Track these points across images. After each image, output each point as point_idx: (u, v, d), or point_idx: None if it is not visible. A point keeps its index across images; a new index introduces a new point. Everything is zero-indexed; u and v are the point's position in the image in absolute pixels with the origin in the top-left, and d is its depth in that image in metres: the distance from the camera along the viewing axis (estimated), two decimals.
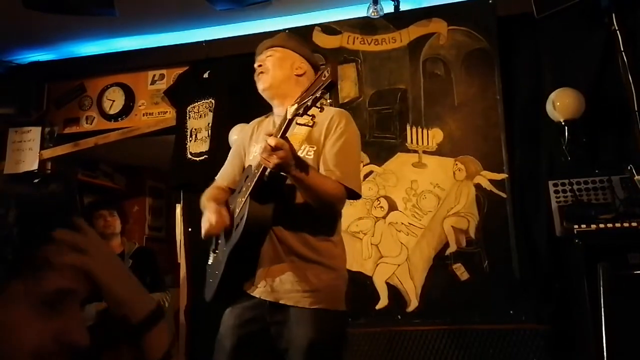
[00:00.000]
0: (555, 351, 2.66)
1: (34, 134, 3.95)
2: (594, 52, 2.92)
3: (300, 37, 2.37)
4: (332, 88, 1.50)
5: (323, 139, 1.83)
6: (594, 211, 2.45)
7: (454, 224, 2.99)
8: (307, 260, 1.77)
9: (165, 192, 5.66)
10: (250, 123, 2.11)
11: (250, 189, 1.73)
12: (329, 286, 1.78)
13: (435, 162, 3.09)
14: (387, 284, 3.01)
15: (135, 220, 5.28)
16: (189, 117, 3.57)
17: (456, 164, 3.05)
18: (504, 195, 2.95)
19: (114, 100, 3.88)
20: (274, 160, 1.59)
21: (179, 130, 3.58)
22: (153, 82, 3.85)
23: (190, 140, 3.52)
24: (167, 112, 3.76)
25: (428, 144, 3.12)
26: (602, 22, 2.71)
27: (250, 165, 1.88)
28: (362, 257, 3.07)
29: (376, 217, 3.11)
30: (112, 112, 3.87)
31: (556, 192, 2.74)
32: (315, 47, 3.30)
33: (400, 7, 3.31)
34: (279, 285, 1.75)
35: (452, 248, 2.97)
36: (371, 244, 3.08)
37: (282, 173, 1.66)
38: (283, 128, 1.61)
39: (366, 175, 3.14)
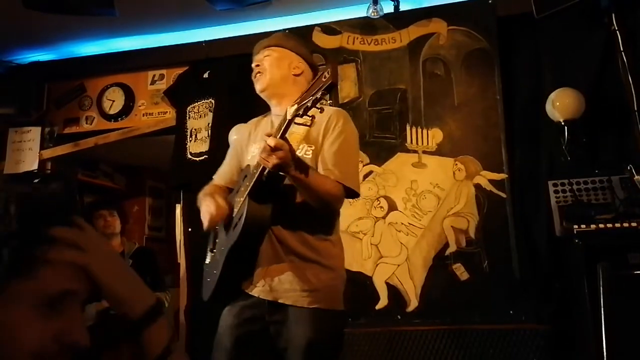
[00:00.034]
0: (555, 351, 2.66)
1: (34, 134, 3.95)
2: (594, 52, 2.92)
3: (300, 37, 2.38)
4: (332, 89, 1.50)
5: (321, 138, 1.83)
6: (593, 211, 2.45)
7: (454, 224, 2.99)
8: (306, 260, 1.77)
9: (165, 192, 5.66)
10: (248, 123, 2.10)
11: (249, 188, 1.73)
12: (328, 286, 1.78)
13: (435, 162, 3.09)
14: (387, 284, 3.01)
15: (135, 220, 5.28)
16: (189, 117, 3.57)
17: (456, 164, 3.05)
18: (503, 195, 2.95)
19: (114, 100, 3.88)
20: (273, 160, 1.59)
21: (179, 130, 3.58)
22: (153, 82, 3.85)
23: (190, 141, 3.52)
24: (167, 112, 3.76)
25: (428, 144, 3.12)
26: (602, 22, 2.71)
27: (249, 165, 1.88)
28: (362, 257, 3.07)
29: (376, 217, 3.11)
30: (112, 112, 3.87)
31: (556, 192, 2.74)
32: (315, 47, 3.31)
33: (400, 7, 3.31)
34: (278, 284, 1.75)
35: (452, 248, 2.97)
36: (371, 244, 3.08)
37: (281, 173, 1.66)
38: (283, 128, 1.61)
39: (366, 175, 3.14)
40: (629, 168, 2.40)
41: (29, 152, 3.93)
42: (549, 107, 2.84)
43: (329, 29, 3.41)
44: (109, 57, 3.90)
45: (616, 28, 2.61)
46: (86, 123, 3.95)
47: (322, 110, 1.54)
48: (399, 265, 3.01)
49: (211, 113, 3.48)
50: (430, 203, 3.04)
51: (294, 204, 1.78)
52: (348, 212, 3.03)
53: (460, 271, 2.93)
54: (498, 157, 2.99)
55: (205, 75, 3.58)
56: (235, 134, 3.02)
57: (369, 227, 3.10)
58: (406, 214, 3.06)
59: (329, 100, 3.19)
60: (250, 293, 1.78)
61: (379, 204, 3.12)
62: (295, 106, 1.56)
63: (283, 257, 1.77)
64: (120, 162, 5.33)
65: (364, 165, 3.13)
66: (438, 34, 3.23)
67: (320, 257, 1.79)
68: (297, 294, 1.73)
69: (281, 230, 1.78)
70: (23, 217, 0.67)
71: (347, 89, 3.31)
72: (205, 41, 3.67)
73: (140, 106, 3.84)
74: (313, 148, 1.83)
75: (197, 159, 3.46)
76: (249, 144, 2.00)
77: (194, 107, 3.57)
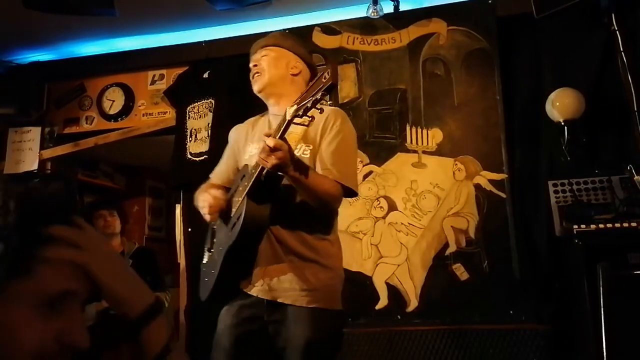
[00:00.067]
0: (555, 351, 2.66)
1: (34, 134, 3.95)
2: (594, 52, 2.92)
3: (300, 37, 2.37)
4: (332, 90, 1.50)
5: (319, 138, 1.83)
6: (593, 211, 2.45)
7: (454, 224, 2.99)
8: (305, 260, 1.77)
9: (165, 192, 5.66)
10: (245, 122, 2.10)
11: (247, 188, 1.73)
12: (326, 285, 1.78)
13: (435, 162, 3.09)
14: (387, 284, 3.01)
15: (135, 220, 5.28)
16: (189, 117, 3.57)
17: (456, 164, 3.05)
18: (503, 195, 2.95)
19: (113, 100, 3.88)
20: (272, 160, 1.59)
21: (179, 131, 3.58)
22: (153, 82, 3.85)
23: (190, 141, 3.52)
24: (167, 112, 3.76)
25: (428, 144, 3.12)
26: (602, 22, 2.71)
27: (247, 165, 1.88)
28: (362, 257, 3.07)
29: (376, 217, 3.11)
30: (112, 112, 3.87)
31: (556, 192, 2.74)
32: (315, 47, 3.31)
33: (400, 7, 3.31)
34: (277, 284, 1.75)
35: (452, 248, 2.97)
36: (371, 244, 3.08)
37: (279, 173, 1.66)
38: (282, 129, 1.61)
39: (366, 176, 3.14)
40: (629, 168, 2.40)
41: (29, 152, 3.93)
42: (548, 107, 2.84)
43: (328, 29, 3.42)
44: (109, 57, 3.90)
45: (616, 28, 2.61)
46: (86, 123, 3.95)
47: (321, 110, 1.54)
48: (398, 265, 3.01)
49: (211, 113, 3.48)
50: (430, 203, 3.04)
51: (293, 203, 1.78)
52: (348, 212, 3.04)
53: (460, 271, 2.93)
54: (498, 157, 2.99)
55: (205, 75, 3.58)
56: (233, 134, 3.02)
57: (369, 227, 3.10)
58: (406, 214, 3.06)
59: (329, 100, 3.19)
60: (248, 292, 1.78)
61: (378, 204, 3.12)
62: (295, 107, 1.56)
63: (282, 256, 1.77)
64: (120, 162, 5.33)
65: (364, 165, 3.13)
66: (438, 34, 3.23)
67: (319, 256, 1.79)
68: (296, 293, 1.73)
69: (280, 230, 1.78)
70: (23, 216, 0.67)
71: (347, 89, 3.31)
72: (205, 41, 3.67)
73: (140, 106, 3.84)
74: (311, 148, 1.83)
75: (197, 159, 3.46)
76: (246, 144, 1.99)
77: (193, 107, 3.57)
